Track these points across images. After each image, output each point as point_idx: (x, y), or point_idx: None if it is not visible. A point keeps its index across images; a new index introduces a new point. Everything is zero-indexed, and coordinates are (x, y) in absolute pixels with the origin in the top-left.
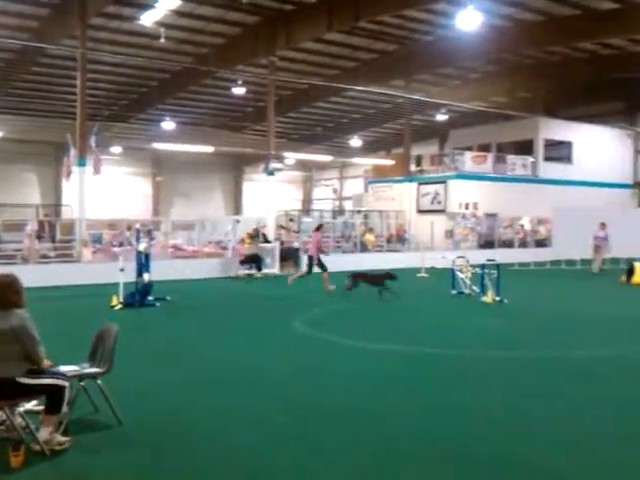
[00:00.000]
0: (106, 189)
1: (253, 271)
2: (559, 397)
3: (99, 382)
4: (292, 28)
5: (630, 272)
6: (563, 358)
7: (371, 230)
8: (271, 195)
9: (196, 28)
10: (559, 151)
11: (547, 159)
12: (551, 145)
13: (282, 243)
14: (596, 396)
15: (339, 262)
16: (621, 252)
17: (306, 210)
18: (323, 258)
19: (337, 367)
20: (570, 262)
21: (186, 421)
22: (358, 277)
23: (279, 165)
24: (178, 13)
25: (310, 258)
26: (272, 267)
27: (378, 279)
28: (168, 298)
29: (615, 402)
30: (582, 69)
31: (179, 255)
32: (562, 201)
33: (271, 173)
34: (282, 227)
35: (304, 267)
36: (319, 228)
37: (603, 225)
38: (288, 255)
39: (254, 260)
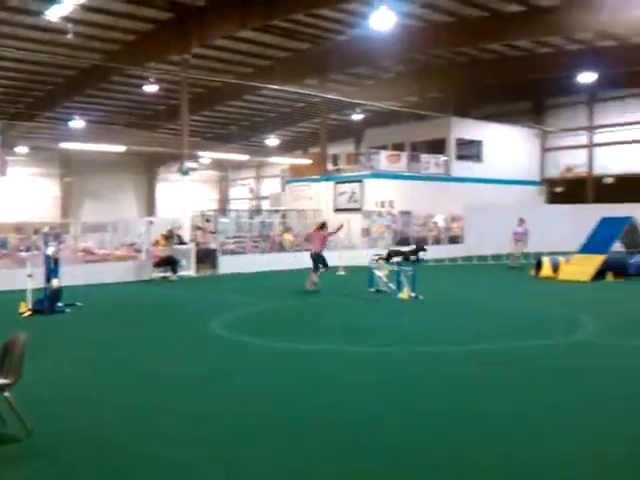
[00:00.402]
0: (12, 191)
1: (168, 274)
2: (471, 384)
3: (6, 394)
4: (205, 25)
5: (539, 266)
6: (476, 351)
7: (289, 230)
8: (186, 195)
9: (106, 24)
10: (470, 150)
11: (459, 158)
12: (463, 144)
13: (198, 244)
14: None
15: (257, 262)
16: (530, 247)
17: (222, 210)
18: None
19: (254, 368)
20: (482, 257)
21: (98, 428)
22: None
23: (194, 164)
24: (87, 8)
25: (317, 256)
26: (188, 269)
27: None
28: (79, 304)
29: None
30: (491, 70)
31: (90, 259)
32: (473, 198)
33: (185, 173)
34: (198, 228)
35: (319, 267)
36: (323, 226)
37: (522, 221)
38: (205, 256)
39: (169, 262)
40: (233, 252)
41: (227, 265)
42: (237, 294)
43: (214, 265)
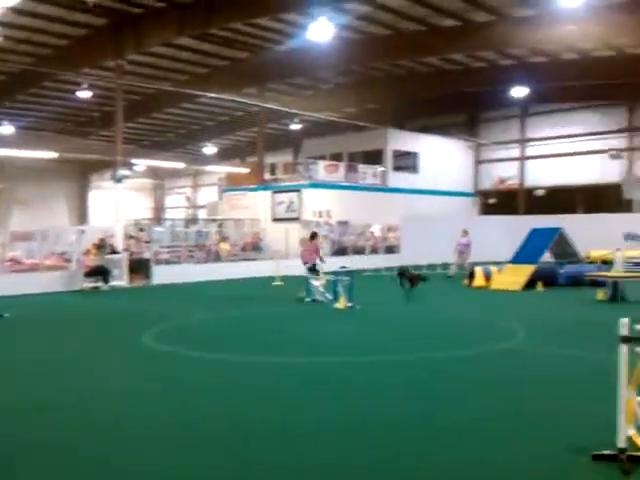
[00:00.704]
0: None
1: (99, 284)
2: (388, 395)
3: None
4: (141, 32)
5: (471, 276)
6: (407, 361)
7: (226, 239)
8: (119, 203)
9: (38, 28)
10: (407, 161)
11: (396, 169)
12: (399, 155)
13: (131, 254)
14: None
15: (192, 272)
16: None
17: (157, 219)
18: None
19: (183, 381)
20: (418, 267)
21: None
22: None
23: (127, 172)
24: (17, 11)
25: (313, 265)
26: (120, 279)
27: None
28: (6, 315)
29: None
30: (427, 83)
31: (17, 269)
32: (409, 209)
33: (119, 180)
34: (131, 237)
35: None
36: (314, 236)
37: (465, 232)
38: (138, 266)
39: (100, 272)
40: (168, 262)
41: (161, 275)
42: (170, 305)
43: (147, 275)
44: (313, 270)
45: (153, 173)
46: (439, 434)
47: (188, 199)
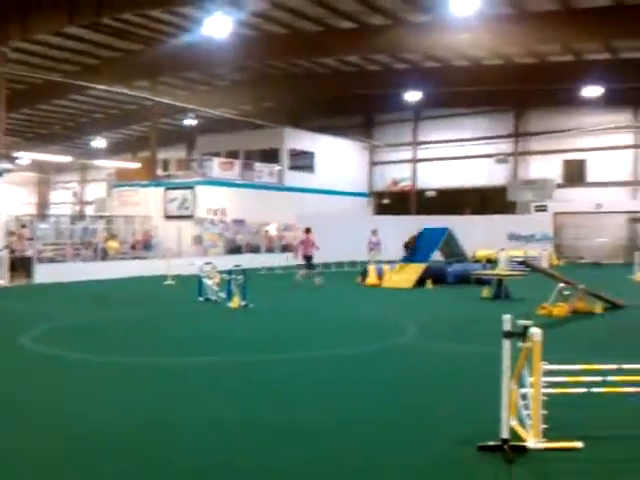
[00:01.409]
0: None
1: None
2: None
3: None
4: (28, 19)
5: (364, 274)
6: (296, 359)
7: (114, 236)
8: (0, 198)
9: None
10: (303, 160)
11: (292, 168)
12: (296, 154)
13: (12, 251)
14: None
15: (79, 271)
16: (358, 255)
17: (41, 215)
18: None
19: (64, 383)
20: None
21: None
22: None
23: (9, 165)
24: None
25: (309, 257)
26: (1, 278)
27: None
28: None
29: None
30: (324, 83)
31: None
32: (306, 208)
33: (0, 174)
34: (13, 233)
35: (304, 270)
36: (309, 231)
37: (375, 232)
38: (19, 264)
39: None
40: (52, 260)
41: (45, 274)
42: (54, 305)
43: (29, 274)
44: (310, 260)
45: (38, 167)
46: (320, 432)
47: (75, 195)
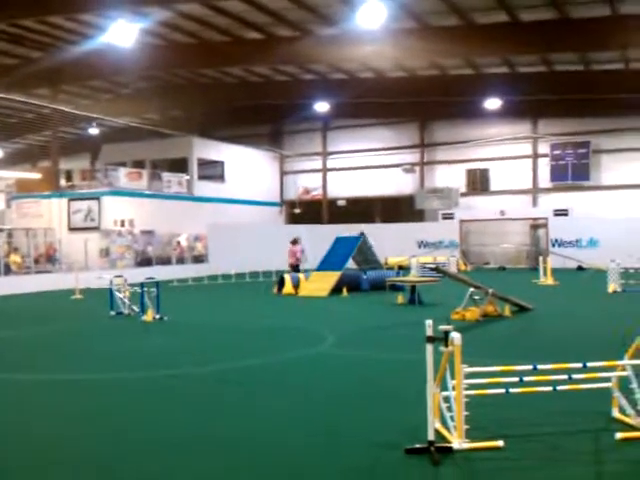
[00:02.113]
0: None
1: None
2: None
3: None
4: None
5: (281, 283)
6: (217, 371)
7: (16, 250)
8: None
9: None
10: (213, 170)
11: (201, 177)
12: (205, 164)
13: None
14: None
15: None
16: (272, 264)
17: None
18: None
19: None
20: (226, 276)
21: None
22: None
23: None
24: None
25: (296, 266)
26: None
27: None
28: None
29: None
30: (232, 93)
31: None
32: (217, 218)
33: None
34: None
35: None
36: (295, 242)
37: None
38: None
39: None
40: None
41: None
42: None
43: None
44: (296, 269)
45: None
46: (227, 445)
47: None
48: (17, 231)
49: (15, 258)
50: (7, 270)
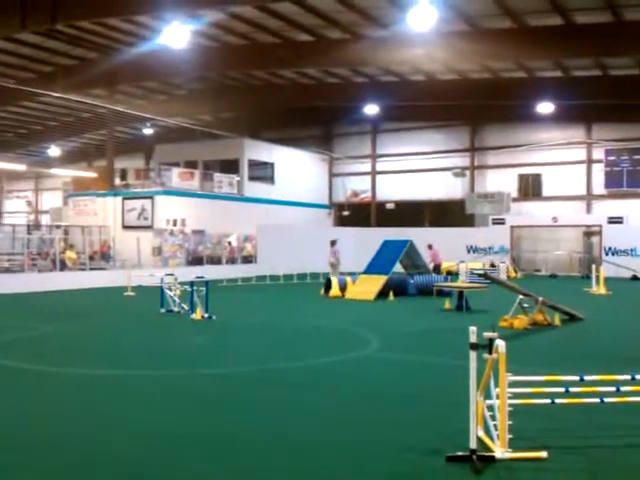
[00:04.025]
0: None
1: None
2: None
3: None
4: None
5: (328, 285)
6: (261, 370)
7: (72, 247)
8: None
9: None
10: (263, 171)
11: (252, 178)
12: (255, 165)
13: None
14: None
15: (36, 282)
16: (319, 266)
17: None
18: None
19: (22, 397)
20: (274, 277)
21: None
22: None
23: None
24: None
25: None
26: None
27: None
28: None
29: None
30: (283, 95)
31: None
32: (266, 219)
33: None
34: None
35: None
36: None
37: (334, 242)
38: None
39: None
40: (8, 270)
41: (1, 284)
42: (10, 316)
43: None
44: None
45: None
46: (288, 446)
47: (29, 203)
48: (73, 228)
49: (70, 254)
50: (63, 266)
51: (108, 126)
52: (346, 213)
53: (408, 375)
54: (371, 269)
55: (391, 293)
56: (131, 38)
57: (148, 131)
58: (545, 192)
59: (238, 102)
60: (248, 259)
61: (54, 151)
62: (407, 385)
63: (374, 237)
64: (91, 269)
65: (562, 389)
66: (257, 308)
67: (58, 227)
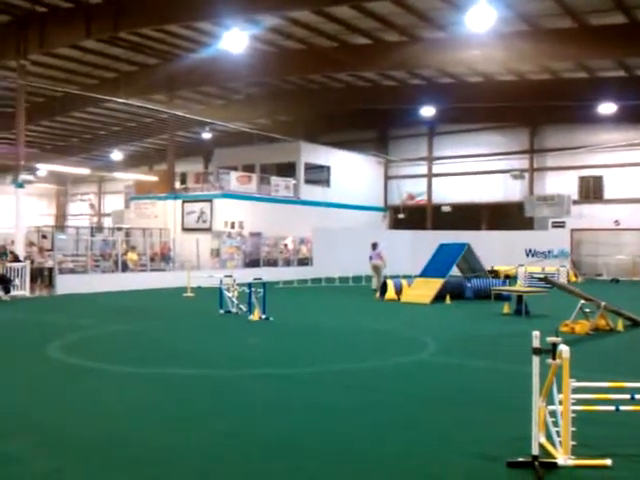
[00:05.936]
0: None
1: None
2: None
3: None
4: (47, 31)
5: (384, 288)
6: (321, 372)
7: (133, 248)
8: (20, 209)
9: None
10: (319, 174)
11: (308, 182)
12: (311, 168)
13: (33, 262)
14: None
15: (99, 282)
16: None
17: (60, 226)
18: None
19: (98, 395)
20: (330, 279)
21: None
22: None
23: (30, 177)
24: None
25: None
26: (22, 289)
27: None
28: None
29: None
30: (339, 98)
31: None
32: (322, 222)
33: (20, 185)
34: (33, 244)
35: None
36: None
37: (375, 245)
38: (40, 275)
39: (1, 281)
40: (72, 271)
41: (66, 285)
42: (76, 316)
43: (51, 284)
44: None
45: (56, 178)
46: (347, 448)
47: (93, 206)
48: (134, 230)
49: (132, 256)
50: (124, 267)
51: (169, 131)
52: (401, 216)
53: (467, 379)
54: (427, 272)
55: (448, 297)
56: (191, 44)
57: (207, 135)
58: (607, 195)
59: (295, 106)
60: (304, 261)
61: (116, 155)
62: (463, 389)
63: (430, 240)
64: (152, 270)
65: (627, 396)
66: (313, 310)
67: (120, 229)
